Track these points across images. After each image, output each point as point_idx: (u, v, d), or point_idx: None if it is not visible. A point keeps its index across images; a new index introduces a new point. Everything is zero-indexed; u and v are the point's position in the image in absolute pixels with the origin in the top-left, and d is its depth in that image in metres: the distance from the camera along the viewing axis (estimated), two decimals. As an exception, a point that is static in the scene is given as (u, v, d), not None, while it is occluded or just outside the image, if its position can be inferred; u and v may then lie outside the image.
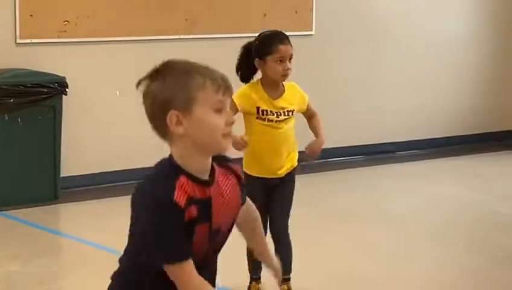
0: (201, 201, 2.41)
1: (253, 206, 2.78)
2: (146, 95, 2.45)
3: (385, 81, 9.16)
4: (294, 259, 4.87)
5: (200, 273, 2.40)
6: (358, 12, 8.92)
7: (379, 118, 9.11)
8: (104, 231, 6.22)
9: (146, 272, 2.44)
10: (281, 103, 4.73)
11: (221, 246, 2.56)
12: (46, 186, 7.07)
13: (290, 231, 4.84)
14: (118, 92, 7.31)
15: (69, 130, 7.25)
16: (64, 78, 7.05)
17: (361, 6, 8.93)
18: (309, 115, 4.90)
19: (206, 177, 2.45)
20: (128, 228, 2.46)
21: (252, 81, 4.78)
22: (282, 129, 4.72)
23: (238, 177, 2.58)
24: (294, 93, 4.80)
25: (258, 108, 4.70)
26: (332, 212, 6.97)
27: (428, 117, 9.44)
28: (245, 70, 4.76)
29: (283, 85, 4.77)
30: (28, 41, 7.21)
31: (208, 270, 2.49)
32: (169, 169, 2.41)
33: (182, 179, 2.38)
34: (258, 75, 4.79)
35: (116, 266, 2.57)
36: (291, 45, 4.70)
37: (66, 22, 7.33)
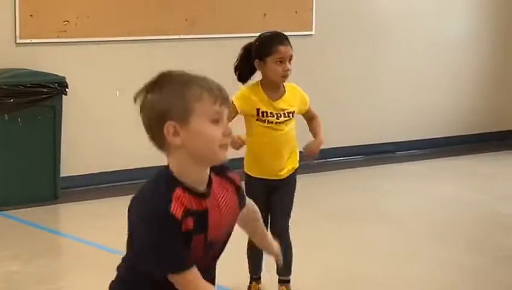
0: (197, 213, 2.41)
1: (254, 207, 2.78)
2: (143, 106, 2.45)
3: (385, 81, 9.16)
4: (294, 259, 4.87)
5: (203, 277, 2.41)
6: (358, 12, 8.92)
7: (379, 118, 9.11)
8: (104, 231, 6.22)
9: (145, 280, 2.44)
10: (281, 104, 4.72)
11: (220, 253, 2.56)
12: (46, 186, 7.07)
13: (290, 231, 4.84)
14: (117, 92, 7.31)
15: (69, 130, 7.25)
16: (64, 78, 7.05)
17: (361, 6, 8.94)
18: (309, 117, 4.88)
19: (203, 188, 2.45)
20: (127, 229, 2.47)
21: (251, 83, 4.77)
22: (283, 131, 4.71)
23: (236, 187, 2.59)
24: (295, 95, 4.78)
25: (258, 110, 4.69)
26: (332, 212, 6.97)
27: (428, 117, 9.44)
28: (244, 70, 4.76)
29: (284, 86, 4.75)
30: (28, 41, 7.22)
31: (208, 275, 2.49)
32: (165, 180, 2.42)
33: (178, 191, 2.39)
34: (257, 76, 4.78)
35: (115, 266, 2.57)
36: (291, 46, 4.69)
37: (66, 22, 7.33)
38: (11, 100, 6.82)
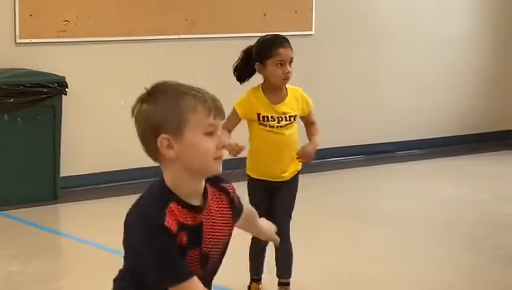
0: (192, 227, 2.41)
1: (248, 209, 2.77)
2: (137, 117, 2.44)
3: (385, 81, 9.16)
4: (293, 259, 4.88)
5: None
6: (358, 12, 8.92)
7: (379, 118, 9.11)
8: (103, 230, 6.22)
9: None
10: (283, 107, 4.69)
11: (218, 267, 2.56)
12: (45, 186, 7.07)
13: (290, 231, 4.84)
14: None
15: (68, 130, 7.25)
16: (64, 78, 7.05)
17: (361, 6, 8.93)
18: (309, 122, 4.83)
19: (198, 201, 2.45)
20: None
21: (253, 86, 4.76)
22: (284, 135, 4.68)
23: (229, 198, 2.58)
24: (297, 98, 4.75)
25: (258, 114, 4.68)
26: (331, 212, 6.97)
27: (428, 117, 9.44)
28: (243, 72, 4.75)
29: (286, 89, 4.74)
30: (28, 41, 7.22)
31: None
32: (160, 194, 2.41)
33: (172, 205, 2.38)
34: (258, 78, 4.77)
35: (115, 265, 2.57)
36: (291, 49, 4.67)
37: (66, 22, 7.33)
38: (11, 100, 6.82)
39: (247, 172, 4.80)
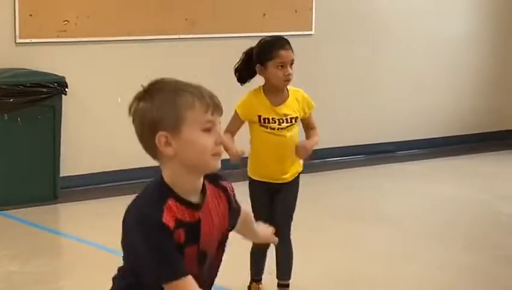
0: (189, 224, 2.41)
1: (245, 211, 2.75)
2: (135, 115, 2.44)
3: (385, 81, 9.16)
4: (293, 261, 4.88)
5: None
6: (358, 12, 8.92)
7: (379, 118, 9.11)
8: (103, 230, 6.21)
9: None
10: (284, 109, 4.68)
11: (214, 275, 2.56)
12: (45, 186, 7.07)
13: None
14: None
15: (68, 130, 7.25)
16: (63, 77, 7.05)
17: (361, 6, 8.93)
18: (309, 126, 4.80)
19: (196, 198, 2.45)
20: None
21: (254, 88, 4.75)
22: (286, 137, 4.67)
23: (227, 196, 2.57)
24: (298, 99, 4.73)
25: (259, 116, 4.67)
26: (331, 212, 6.97)
27: (428, 117, 9.44)
28: (244, 73, 4.74)
29: (287, 90, 4.73)
30: (28, 41, 7.22)
31: None
32: (159, 191, 2.41)
33: (170, 202, 2.38)
34: (260, 79, 4.77)
35: (115, 265, 2.57)
36: (292, 50, 4.66)
37: (66, 22, 7.33)
38: (11, 100, 6.82)
39: (249, 174, 4.80)
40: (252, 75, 4.74)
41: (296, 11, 8.48)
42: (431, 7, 9.35)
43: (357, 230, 6.48)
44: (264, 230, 2.94)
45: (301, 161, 4.81)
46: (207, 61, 7.91)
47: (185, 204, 2.41)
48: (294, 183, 4.79)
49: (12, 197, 6.90)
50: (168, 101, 2.39)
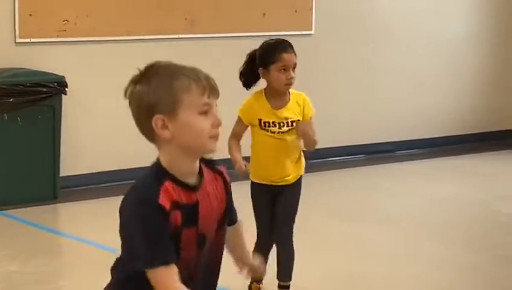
0: (187, 206, 2.40)
1: (240, 225, 2.73)
2: (131, 98, 2.44)
3: (385, 81, 9.16)
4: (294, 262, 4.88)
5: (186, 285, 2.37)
6: (358, 12, 8.91)
7: (379, 118, 9.11)
8: (103, 230, 6.20)
9: (138, 284, 2.41)
10: (285, 113, 4.68)
11: (218, 259, 2.55)
12: (45, 185, 7.07)
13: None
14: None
15: (68, 129, 7.25)
16: (63, 77, 7.04)
17: (361, 6, 8.93)
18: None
19: (193, 180, 2.45)
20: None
21: (255, 91, 4.75)
22: (286, 140, 4.67)
23: (224, 179, 2.57)
24: (299, 102, 4.72)
25: (260, 120, 4.67)
26: (331, 211, 6.97)
27: (428, 117, 9.44)
28: (249, 77, 4.73)
29: (289, 93, 4.72)
30: (28, 40, 7.21)
31: (195, 286, 2.46)
32: (155, 173, 2.41)
33: (167, 184, 2.38)
34: (263, 83, 4.76)
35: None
36: (295, 54, 4.65)
37: (66, 22, 7.33)
38: (11, 100, 6.82)
39: (250, 177, 4.80)
40: (256, 78, 4.73)
41: (296, 11, 8.48)
42: (431, 7, 9.35)
43: (356, 230, 6.48)
44: (256, 260, 2.88)
45: (303, 164, 4.81)
46: (207, 61, 7.82)
47: (182, 185, 2.41)
48: (297, 186, 4.78)
49: (12, 197, 6.90)
50: (165, 84, 2.41)
